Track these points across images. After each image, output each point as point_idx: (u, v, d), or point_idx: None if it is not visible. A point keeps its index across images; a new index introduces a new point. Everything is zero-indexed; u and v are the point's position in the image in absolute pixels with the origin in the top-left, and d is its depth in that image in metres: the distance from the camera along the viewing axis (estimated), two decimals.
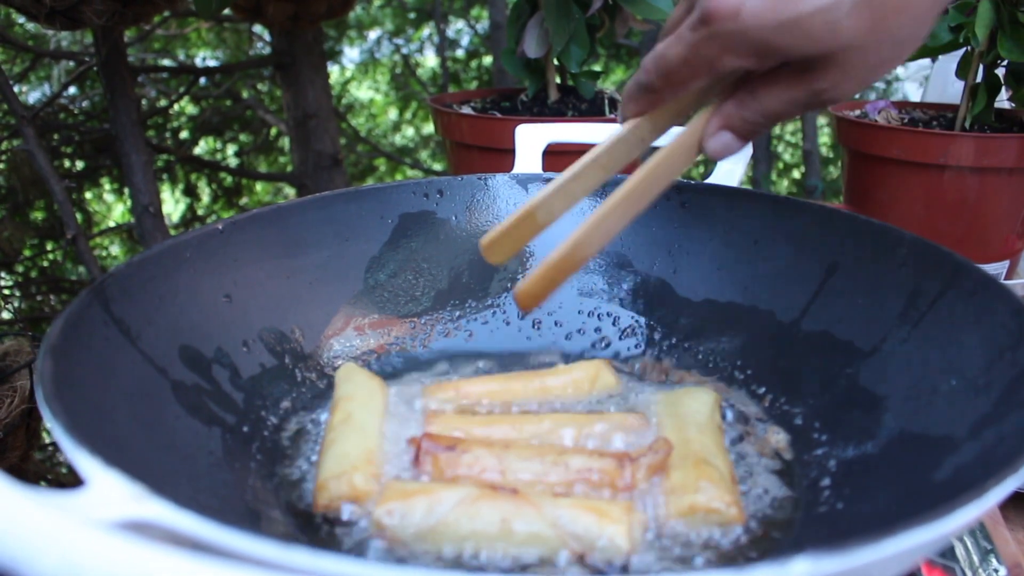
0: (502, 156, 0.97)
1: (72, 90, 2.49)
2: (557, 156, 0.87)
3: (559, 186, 0.55)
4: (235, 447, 0.55)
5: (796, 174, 4.70)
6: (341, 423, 0.56)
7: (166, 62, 3.22)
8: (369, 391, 0.61)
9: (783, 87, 0.50)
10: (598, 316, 0.73)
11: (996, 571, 0.56)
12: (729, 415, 0.61)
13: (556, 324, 0.73)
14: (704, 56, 0.49)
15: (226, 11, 1.35)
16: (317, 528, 0.49)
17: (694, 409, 0.57)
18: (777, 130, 4.89)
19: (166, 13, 1.93)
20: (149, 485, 0.31)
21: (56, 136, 2.34)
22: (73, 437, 0.34)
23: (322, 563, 0.26)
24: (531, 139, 0.81)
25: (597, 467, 0.51)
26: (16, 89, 2.24)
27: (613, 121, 1.07)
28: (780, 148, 4.90)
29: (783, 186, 4.65)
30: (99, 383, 0.46)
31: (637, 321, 0.72)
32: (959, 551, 0.57)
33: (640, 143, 0.55)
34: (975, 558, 0.56)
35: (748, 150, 0.78)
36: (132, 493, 0.30)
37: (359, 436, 0.54)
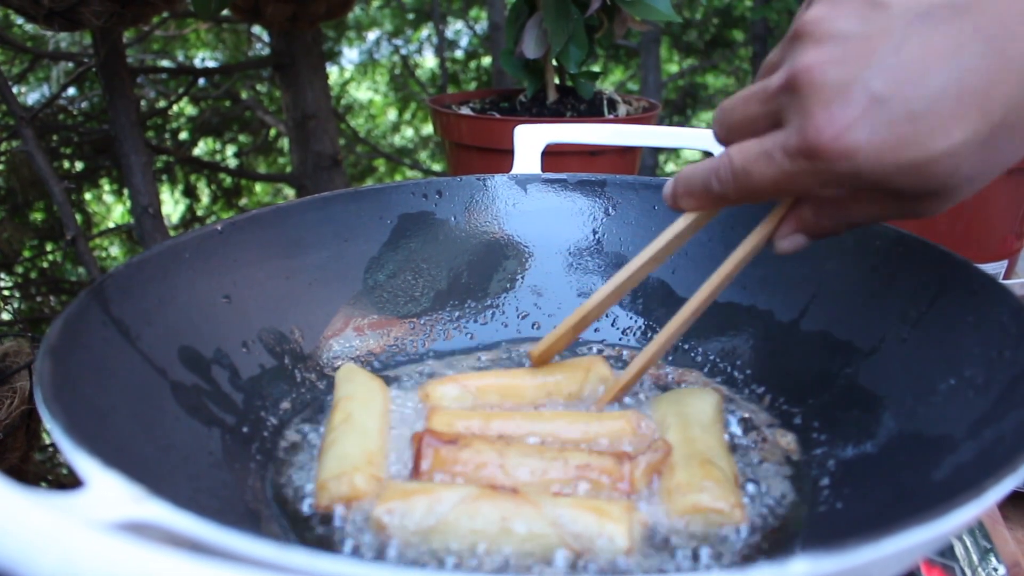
0: (501, 157, 0.97)
1: (71, 91, 2.50)
2: (556, 157, 0.87)
3: (615, 288, 0.57)
4: (235, 448, 0.55)
5: None
6: (341, 423, 0.56)
7: (165, 63, 3.22)
8: (369, 391, 0.61)
9: (875, 206, 0.45)
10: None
11: (995, 570, 0.56)
12: (729, 415, 0.61)
13: (550, 318, 0.73)
14: (800, 186, 0.44)
15: (225, 12, 1.35)
16: (317, 529, 0.49)
17: (698, 409, 0.57)
18: None
19: (165, 14, 1.93)
20: (148, 486, 0.31)
21: (55, 137, 2.34)
22: (72, 438, 0.34)
23: (320, 564, 0.26)
24: (530, 139, 0.81)
25: (597, 465, 0.51)
26: (15, 90, 2.24)
27: (612, 121, 1.07)
28: None
29: None
30: (98, 384, 0.46)
31: (636, 322, 0.72)
32: (958, 550, 0.57)
33: (694, 231, 0.56)
34: (974, 557, 0.56)
35: None
36: (131, 494, 0.30)
37: (359, 436, 0.54)
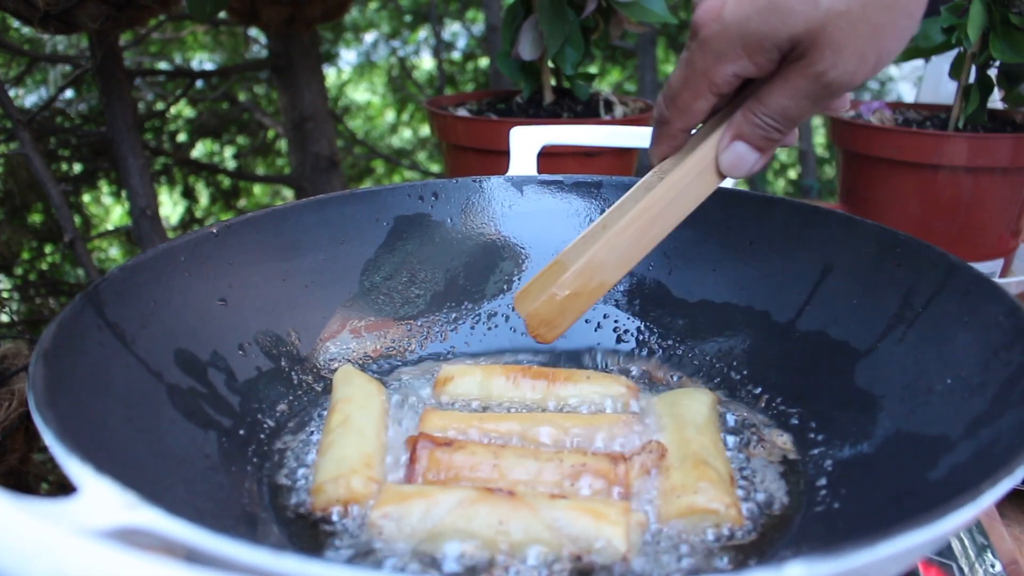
0: (498, 158, 0.97)
1: (69, 94, 2.49)
2: (552, 158, 0.87)
3: (588, 233, 0.55)
4: (231, 451, 0.55)
5: (792, 174, 4.70)
6: (339, 425, 0.56)
7: (163, 65, 3.22)
8: (367, 393, 0.60)
9: (784, 82, 0.48)
10: (594, 317, 0.73)
11: (992, 567, 0.56)
12: (727, 416, 0.61)
13: None
14: (700, 69, 0.49)
15: (221, 15, 1.35)
16: (314, 532, 0.49)
17: (693, 409, 0.57)
18: None
19: (162, 17, 1.93)
20: (143, 490, 0.31)
21: (53, 140, 2.34)
22: (64, 444, 0.33)
23: (313, 570, 0.26)
24: (526, 141, 0.81)
25: (592, 466, 0.51)
26: (12, 93, 2.24)
27: (609, 123, 1.07)
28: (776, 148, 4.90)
29: (779, 186, 4.65)
30: (93, 388, 0.46)
31: (633, 322, 0.72)
32: (956, 547, 0.57)
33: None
34: (971, 554, 0.56)
35: None
36: (124, 500, 0.30)
37: (357, 439, 0.54)
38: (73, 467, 0.32)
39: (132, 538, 0.29)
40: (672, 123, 0.53)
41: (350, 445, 0.54)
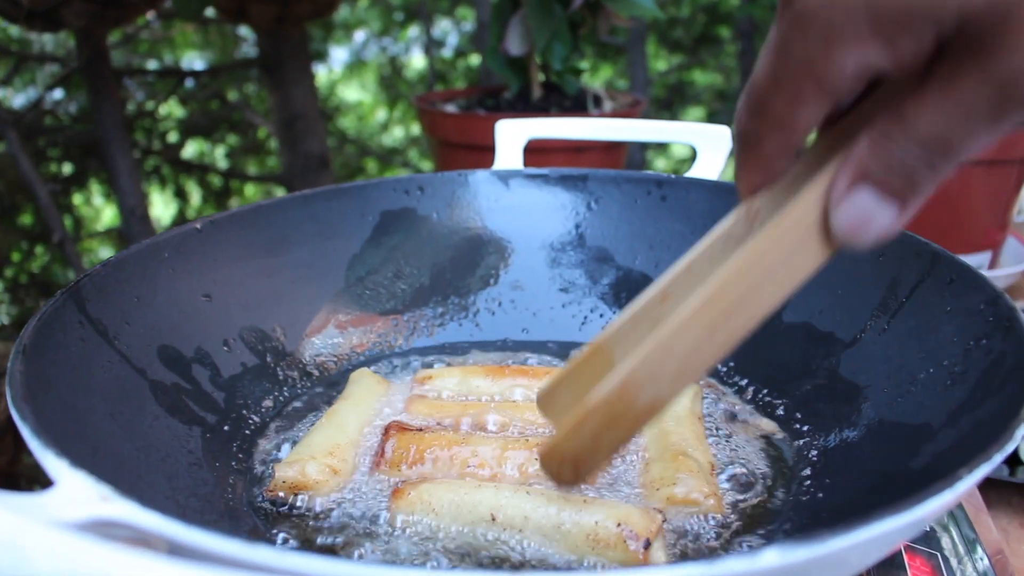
0: (486, 154, 0.97)
1: (60, 94, 2.48)
2: (540, 154, 0.87)
3: (641, 309, 0.39)
4: (215, 447, 0.54)
5: None
6: (325, 417, 0.57)
7: (152, 64, 3.21)
8: (369, 393, 0.61)
9: (947, 89, 0.30)
10: (580, 311, 0.73)
11: (981, 559, 0.56)
12: (712, 407, 0.61)
13: (534, 316, 0.73)
14: (799, 58, 0.31)
15: (210, 13, 1.35)
16: (298, 527, 0.49)
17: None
18: None
19: (150, 16, 1.92)
20: (124, 485, 0.31)
21: (42, 140, 2.33)
22: (40, 438, 0.33)
23: (287, 560, 0.26)
24: (512, 134, 0.81)
25: None
26: (1, 93, 2.23)
27: (595, 116, 1.07)
28: None
29: None
30: (74, 384, 0.46)
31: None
32: (944, 541, 0.57)
33: (748, 229, 0.37)
34: (961, 549, 0.56)
35: (728, 142, 0.78)
36: (99, 493, 0.30)
37: (334, 429, 0.55)
38: (49, 461, 0.32)
39: (107, 530, 0.29)
40: (763, 141, 0.34)
41: (324, 435, 0.54)
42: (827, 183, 0.32)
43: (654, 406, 0.35)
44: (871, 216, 0.32)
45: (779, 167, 0.35)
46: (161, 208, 3.24)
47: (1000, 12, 0.27)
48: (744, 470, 0.54)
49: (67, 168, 2.53)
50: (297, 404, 0.63)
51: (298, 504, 0.50)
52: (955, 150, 0.31)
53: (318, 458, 0.51)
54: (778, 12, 0.32)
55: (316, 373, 0.66)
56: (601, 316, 0.73)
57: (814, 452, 0.54)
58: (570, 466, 0.36)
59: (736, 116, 0.35)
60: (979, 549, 0.56)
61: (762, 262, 0.33)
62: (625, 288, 0.73)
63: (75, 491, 0.30)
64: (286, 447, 0.57)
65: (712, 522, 0.48)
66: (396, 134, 4.59)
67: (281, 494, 0.51)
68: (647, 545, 0.43)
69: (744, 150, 0.36)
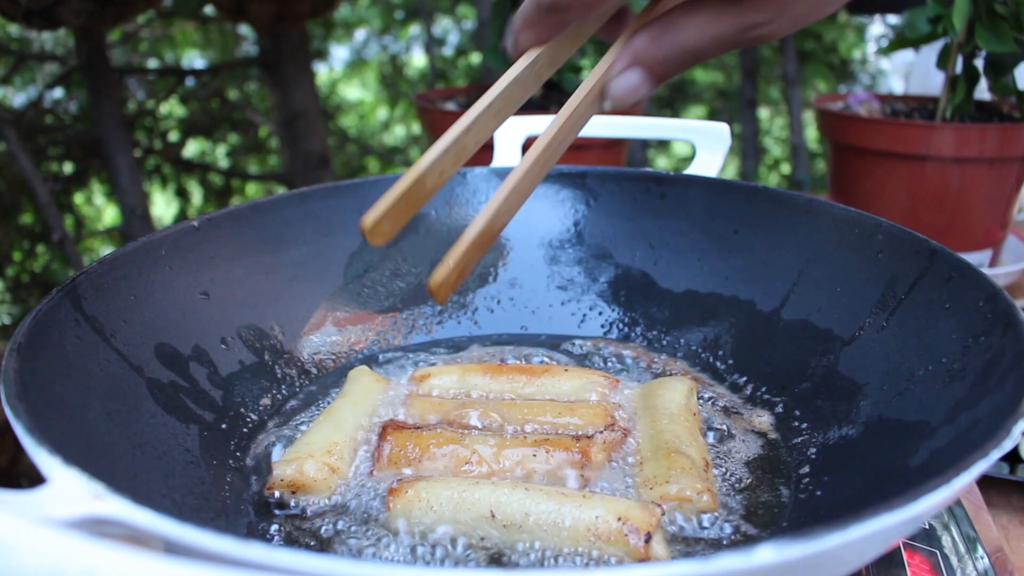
0: (485, 152, 0.97)
1: (60, 93, 2.48)
2: None
3: (451, 143, 0.46)
4: (213, 444, 0.54)
5: (785, 169, 4.70)
6: (324, 415, 0.57)
7: (152, 63, 3.21)
8: (367, 391, 0.60)
9: (708, 17, 0.42)
10: (580, 309, 0.73)
11: (981, 558, 0.56)
12: (710, 404, 0.61)
13: (533, 314, 0.73)
14: None
15: (210, 11, 1.35)
16: (294, 524, 0.49)
17: (667, 399, 0.57)
18: (765, 124, 4.89)
19: (150, 14, 1.92)
20: (118, 483, 0.31)
21: (42, 139, 2.33)
22: (33, 436, 0.33)
23: (281, 558, 0.26)
24: (510, 132, 0.81)
25: (553, 442, 0.51)
26: (0, 92, 2.23)
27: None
28: (768, 143, 4.91)
29: (772, 180, 4.65)
30: (70, 382, 0.45)
31: (619, 313, 0.72)
32: (945, 540, 0.57)
33: (536, 80, 0.48)
34: (961, 548, 0.56)
35: (727, 139, 0.78)
36: (92, 490, 0.30)
37: (331, 428, 0.55)
38: (41, 458, 0.32)
39: (100, 528, 0.29)
40: (568, 9, 0.44)
41: (322, 433, 0.54)
42: (608, 64, 0.45)
43: (500, 230, 0.46)
44: (636, 89, 0.45)
45: (554, 33, 0.46)
46: (162, 207, 3.24)
47: None
48: (741, 467, 0.54)
49: (68, 167, 2.53)
50: (295, 402, 0.62)
51: (295, 502, 0.50)
52: (703, 59, 0.45)
53: (316, 456, 0.51)
54: None
55: (314, 371, 0.66)
56: (600, 314, 0.72)
57: (812, 449, 0.54)
58: (449, 287, 0.45)
59: None
60: (979, 547, 0.56)
61: (573, 118, 0.46)
62: (624, 285, 0.73)
63: (68, 489, 0.30)
64: (284, 445, 0.57)
65: (707, 519, 0.48)
66: (397, 133, 4.59)
67: (278, 493, 0.51)
68: (647, 539, 0.43)
69: (548, 15, 0.44)
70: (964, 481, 0.32)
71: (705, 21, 0.43)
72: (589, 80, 0.46)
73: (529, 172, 0.46)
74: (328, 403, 0.60)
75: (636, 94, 0.45)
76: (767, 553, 0.27)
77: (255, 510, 0.51)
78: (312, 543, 0.47)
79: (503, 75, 0.47)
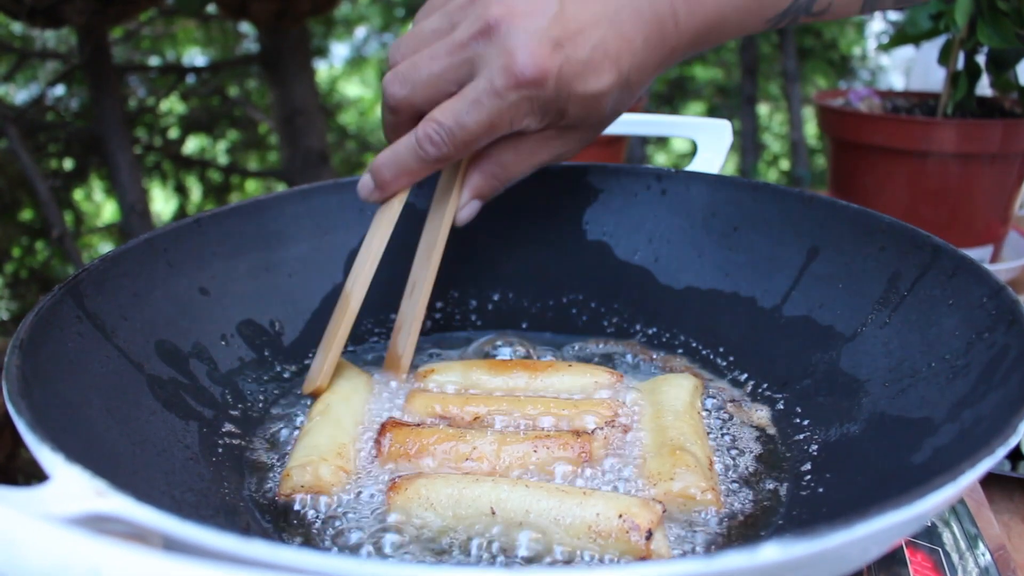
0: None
1: (61, 90, 2.48)
2: None
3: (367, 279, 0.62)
4: (212, 441, 0.54)
5: (785, 164, 4.70)
6: (319, 414, 0.56)
7: (153, 61, 3.21)
8: (352, 385, 0.60)
9: (530, 152, 0.55)
10: (581, 306, 0.73)
11: (983, 555, 0.56)
12: (712, 401, 0.61)
13: (533, 312, 0.73)
14: (508, 119, 0.52)
15: (211, 9, 1.35)
16: (293, 521, 0.49)
17: (672, 396, 0.57)
18: (764, 120, 4.89)
19: (152, 12, 1.92)
20: (119, 480, 0.31)
21: (43, 136, 2.33)
22: (36, 433, 0.33)
23: (281, 555, 0.26)
24: None
25: (555, 438, 0.51)
26: (3, 90, 2.23)
27: None
28: (768, 139, 4.90)
29: (771, 177, 4.65)
30: (72, 379, 0.45)
31: (619, 309, 0.72)
32: (946, 536, 0.57)
33: (401, 206, 0.61)
34: (962, 544, 0.56)
35: (729, 136, 0.78)
36: (94, 487, 0.30)
37: (333, 428, 0.54)
38: (44, 455, 0.32)
39: (102, 525, 0.29)
40: (451, 159, 0.55)
41: (325, 434, 0.54)
42: (457, 197, 0.60)
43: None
44: (475, 212, 0.60)
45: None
46: (162, 204, 3.24)
47: (585, 124, 0.56)
48: (744, 464, 0.54)
49: (68, 164, 2.53)
50: (294, 399, 0.62)
51: (294, 501, 0.50)
52: (517, 178, 0.59)
53: (329, 460, 0.51)
54: (499, 89, 0.51)
55: None
56: (601, 310, 0.72)
57: (814, 446, 0.54)
58: (325, 377, 0.60)
59: (433, 145, 0.54)
60: (981, 545, 0.55)
61: (445, 231, 0.61)
62: (624, 283, 0.72)
63: (70, 485, 0.30)
64: (284, 442, 0.57)
65: (711, 516, 0.48)
66: None
67: (295, 496, 0.50)
68: (649, 536, 0.43)
69: (432, 164, 0.55)
70: (971, 478, 0.32)
71: (527, 156, 0.56)
72: (449, 208, 0.60)
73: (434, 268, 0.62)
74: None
75: (473, 214, 0.60)
76: (772, 551, 0.27)
77: (255, 507, 0.50)
78: (312, 541, 0.47)
79: (388, 222, 0.61)
